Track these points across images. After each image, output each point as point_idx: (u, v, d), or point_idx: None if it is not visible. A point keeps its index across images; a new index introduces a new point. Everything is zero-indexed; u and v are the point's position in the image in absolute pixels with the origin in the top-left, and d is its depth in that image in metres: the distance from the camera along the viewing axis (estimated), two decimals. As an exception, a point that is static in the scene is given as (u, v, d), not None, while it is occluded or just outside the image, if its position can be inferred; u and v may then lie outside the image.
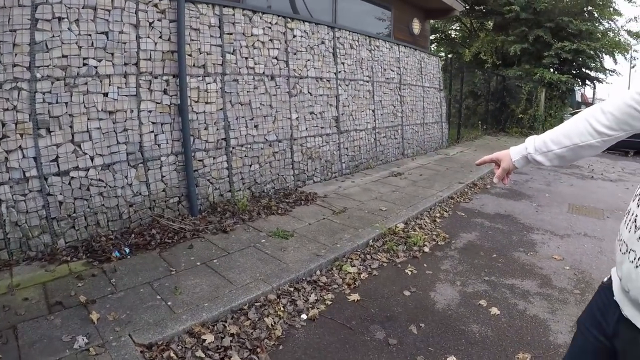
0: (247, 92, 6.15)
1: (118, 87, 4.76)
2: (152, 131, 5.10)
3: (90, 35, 4.52)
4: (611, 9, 19.73)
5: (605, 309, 1.40)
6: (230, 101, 5.92)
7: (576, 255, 5.12)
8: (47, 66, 4.22)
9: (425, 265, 4.68)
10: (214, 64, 5.67)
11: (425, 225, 5.96)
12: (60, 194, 4.38)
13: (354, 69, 8.36)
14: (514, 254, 5.07)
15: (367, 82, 8.89)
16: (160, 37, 5.09)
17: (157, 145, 5.14)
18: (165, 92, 5.17)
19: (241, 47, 6.02)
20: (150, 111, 5.05)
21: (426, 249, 5.08)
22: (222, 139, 5.85)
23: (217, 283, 3.86)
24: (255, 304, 3.65)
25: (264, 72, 6.38)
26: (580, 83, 21.64)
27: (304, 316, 3.58)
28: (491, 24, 21.58)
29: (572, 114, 21.68)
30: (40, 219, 4.24)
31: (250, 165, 6.31)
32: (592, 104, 32.43)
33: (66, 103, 4.38)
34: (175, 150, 5.32)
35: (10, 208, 4.04)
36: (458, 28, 22.92)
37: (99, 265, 4.05)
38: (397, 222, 5.68)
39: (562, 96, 20.86)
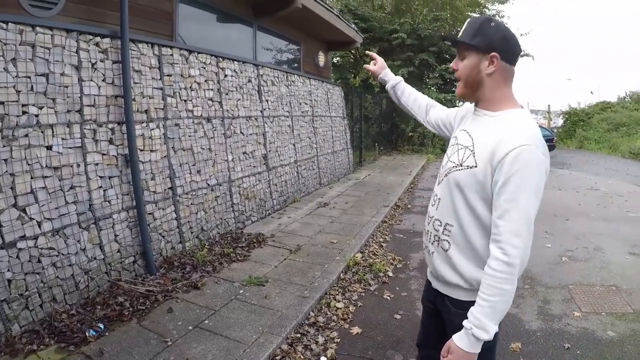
0: (189, 136, 5.81)
1: (62, 139, 4.24)
2: (101, 186, 4.59)
3: (29, 77, 3.99)
4: None
5: (428, 286, 2.13)
6: (173, 147, 5.53)
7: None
8: None
9: (397, 288, 5.07)
10: (156, 108, 5.29)
11: (377, 252, 6.35)
12: (8, 270, 3.71)
13: (277, 105, 8.29)
14: None
15: (287, 117, 8.87)
16: (104, 79, 4.65)
17: (107, 202, 4.63)
18: (111, 141, 4.71)
19: (180, 89, 5.69)
20: (97, 164, 4.55)
21: (390, 274, 5.49)
22: (169, 188, 5.44)
23: (225, 346, 3.55)
24: (275, 358, 3.50)
25: (201, 115, 6.08)
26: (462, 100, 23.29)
27: (324, 358, 3.57)
28: (376, 50, 22.61)
29: None
30: (-14, 303, 3.56)
31: (197, 213, 5.91)
32: None
33: (5, 160, 3.77)
34: (126, 205, 4.83)
35: None
36: (343, 55, 23.83)
37: (76, 351, 3.48)
38: (353, 253, 5.91)
39: None
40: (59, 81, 4.22)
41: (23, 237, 3.82)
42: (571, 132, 32.15)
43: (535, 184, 1.57)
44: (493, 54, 1.69)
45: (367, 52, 2.68)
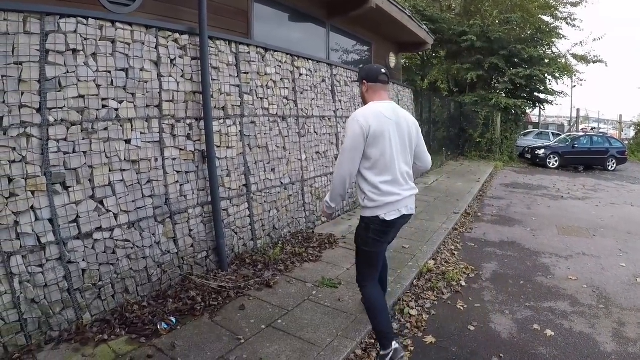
0: (264, 134, 5.58)
1: (141, 133, 4.10)
2: (177, 181, 4.43)
3: (109, 72, 3.85)
4: (558, 34, 20.66)
5: (386, 225, 3.06)
6: (249, 145, 5.32)
7: (586, 274, 5.44)
8: (62, 108, 3.50)
9: (470, 299, 4.69)
10: (233, 105, 5.09)
11: (449, 260, 5.91)
12: (83, 260, 3.60)
13: (349, 105, 7.94)
14: (537, 279, 5.26)
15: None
16: (183, 75, 4.49)
17: (183, 197, 4.46)
18: (188, 137, 4.54)
19: (257, 86, 5.47)
20: (174, 159, 4.39)
21: (463, 283, 5.09)
22: (244, 185, 5.23)
23: (299, 347, 3.29)
24: (350, 363, 3.10)
25: (277, 113, 5.84)
26: (532, 106, 22.29)
27: (398, 366, 3.17)
28: (444, 52, 21.86)
29: (524, 135, 22.14)
30: (62, 291, 3.44)
31: (270, 211, 5.68)
32: (537, 123, 33.47)
33: (85, 152, 3.65)
34: (202, 201, 4.65)
35: (26, 283, 3.23)
36: (410, 56, 23.10)
37: (147, 343, 3.30)
38: (426, 259, 5.53)
39: (516, 119, 21.39)
40: (139, 76, 4.07)
41: (99, 229, 3.70)
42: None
43: (348, 133, 2.90)
44: (364, 80, 3.20)
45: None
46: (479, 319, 4.21)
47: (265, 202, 5.58)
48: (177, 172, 4.41)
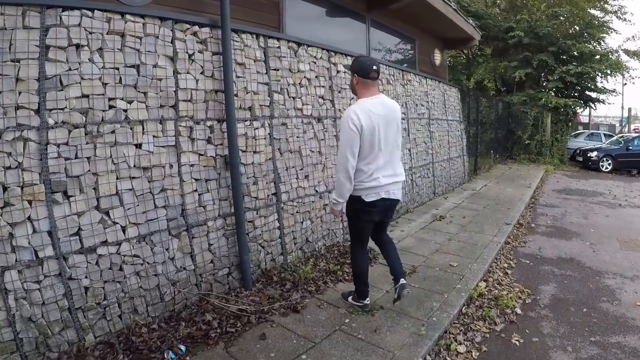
0: (297, 137, 4.98)
1: (154, 136, 3.58)
2: (196, 190, 3.89)
3: (117, 69, 3.37)
4: (608, 28, 19.38)
5: (368, 205, 3.41)
6: (279, 149, 4.74)
7: (657, 300, 4.57)
8: (62, 109, 3.07)
9: (527, 331, 3.96)
10: (261, 105, 4.51)
11: (502, 281, 5.10)
12: (86, 277, 3.14)
13: (392, 106, 7.23)
14: (601, 306, 4.51)
15: (403, 119, 7.76)
16: (202, 72, 3.94)
17: (202, 208, 3.92)
18: (209, 140, 3.99)
19: (288, 84, 4.88)
20: (192, 165, 3.85)
21: (518, 310, 4.32)
22: (273, 194, 4.65)
23: None
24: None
25: (311, 114, 5.23)
26: (583, 105, 20.74)
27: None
28: (490, 50, 20.70)
29: (574, 136, 20.86)
30: (62, 310, 3.01)
31: (302, 222, 5.07)
32: (587, 124, 31.54)
33: (88, 158, 3.18)
34: (223, 212, 4.09)
35: (21, 300, 2.83)
36: (455, 55, 22.01)
37: (150, 376, 2.72)
38: (476, 281, 4.73)
39: (567, 120, 20.10)
40: (151, 73, 3.57)
41: (104, 243, 3.23)
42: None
43: (344, 128, 3.21)
44: (354, 74, 3.37)
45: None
46: (538, 358, 3.51)
47: (297, 212, 4.99)
48: (196, 180, 3.88)
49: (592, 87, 19.53)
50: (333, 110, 5.65)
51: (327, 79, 5.58)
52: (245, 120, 4.31)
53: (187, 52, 3.82)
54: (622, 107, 35.04)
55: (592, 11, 19.59)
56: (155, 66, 3.60)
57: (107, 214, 3.30)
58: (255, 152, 4.41)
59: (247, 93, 4.34)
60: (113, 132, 3.32)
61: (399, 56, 9.09)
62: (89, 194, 3.18)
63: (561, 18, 18.55)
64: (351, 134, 3.13)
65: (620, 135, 21.88)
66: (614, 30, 19.57)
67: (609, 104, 21.92)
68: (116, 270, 3.32)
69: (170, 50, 3.71)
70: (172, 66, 3.72)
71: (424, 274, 4.85)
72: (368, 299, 3.81)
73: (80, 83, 3.15)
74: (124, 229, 3.38)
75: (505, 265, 5.67)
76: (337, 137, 5.72)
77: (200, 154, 3.89)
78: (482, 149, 14.79)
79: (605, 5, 19.69)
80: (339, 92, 5.82)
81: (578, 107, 20.70)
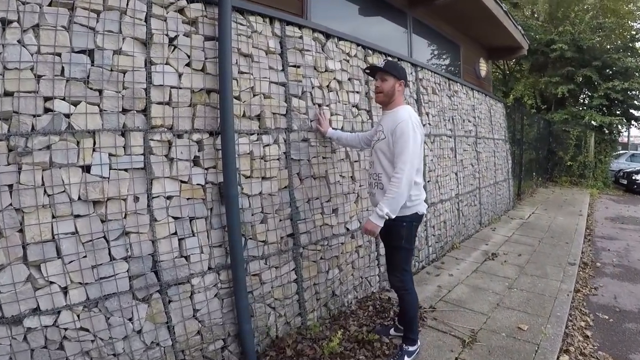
0: (323, 158, 3.71)
1: (111, 155, 2.39)
2: (175, 233, 2.65)
3: (59, 55, 2.21)
4: None
5: (421, 219, 3.15)
6: (298, 174, 3.48)
7: None
8: None
9: None
10: (274, 113, 3.26)
11: (584, 349, 3.86)
12: (10, 359, 1.98)
13: (438, 120, 5.92)
14: None
15: (450, 137, 6.42)
16: (189, 64, 2.71)
17: (184, 259, 2.67)
18: (195, 162, 2.75)
19: (312, 87, 3.62)
20: (169, 198, 2.62)
21: None
22: (288, 235, 3.37)
23: None
24: None
25: (342, 127, 3.95)
26: (629, 124, 19.31)
27: None
28: (528, 65, 19.23)
29: (616, 157, 19.59)
30: None
31: (328, 272, 3.77)
32: (626, 144, 29.67)
33: (10, 186, 2.06)
34: (216, 264, 2.84)
35: None
36: (491, 69, 20.58)
37: None
38: (555, 352, 3.52)
39: (612, 139, 18.41)
40: (112, 62, 2.38)
41: (35, 311, 2.07)
42: None
43: (410, 138, 2.79)
44: (402, 80, 3.03)
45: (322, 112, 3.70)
46: None
47: (321, 258, 3.69)
48: (175, 218, 2.64)
49: (637, 104, 18.10)
50: (370, 124, 4.37)
51: (363, 83, 4.31)
52: (251, 134, 3.06)
53: (166, 35, 2.61)
54: None
55: (633, 24, 18.53)
56: (117, 52, 2.40)
57: (39, 269, 2.13)
58: (264, 178, 3.15)
59: (254, 96, 3.09)
60: (48, 147, 2.16)
61: (443, 63, 7.77)
62: (11, 240, 2.05)
63: (607, 30, 17.10)
64: (417, 142, 2.86)
65: None
66: None
67: None
68: (54, 349, 2.15)
69: (142, 32, 2.51)
70: (143, 53, 2.52)
71: (488, 345, 3.56)
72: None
73: (1, 75, 2.04)
74: (64, 291, 2.20)
75: (583, 323, 4.41)
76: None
77: (182, 181, 2.66)
78: (524, 171, 13.37)
79: None
80: (377, 100, 4.54)
81: (624, 126, 19.31)
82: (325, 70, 3.79)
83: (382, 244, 4.54)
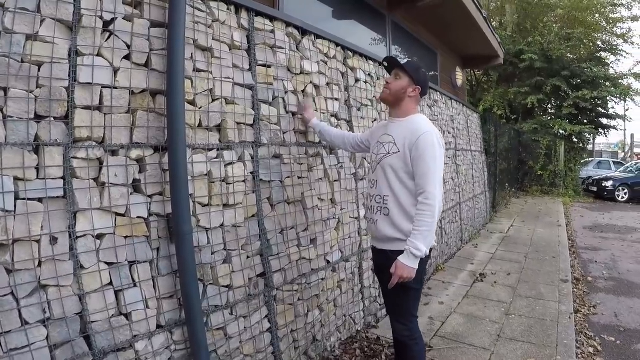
0: (299, 178, 3.11)
1: (17, 180, 1.78)
2: (110, 284, 2.02)
3: None
4: (620, 51, 18.96)
5: (375, 255, 2.72)
6: (269, 199, 2.88)
7: None
8: None
9: None
10: (239, 123, 2.66)
11: None
12: None
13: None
14: None
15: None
16: (128, 57, 2.12)
17: (123, 317, 2.05)
18: (136, 187, 2.15)
19: (286, 92, 3.03)
20: (101, 236, 2.00)
21: None
22: (259, 275, 2.74)
23: None
24: None
25: (320, 140, 3.35)
26: (597, 132, 19.93)
27: None
28: (496, 75, 19.50)
29: (583, 164, 20.26)
30: None
31: (307, 314, 3.17)
32: (591, 152, 30.33)
33: None
34: (168, 320, 2.22)
35: None
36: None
37: None
38: None
39: (581, 148, 19.28)
40: (22, 51, 1.79)
41: None
42: None
43: (437, 154, 2.34)
44: (418, 86, 2.54)
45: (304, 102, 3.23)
46: None
47: (299, 300, 3.09)
48: (109, 264, 2.02)
49: (605, 113, 18.90)
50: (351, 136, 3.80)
51: (343, 88, 3.75)
52: (210, 149, 2.45)
53: (100, 18, 2.00)
54: (624, 133, 34.05)
55: (600, 34, 19.12)
56: (32, 38, 1.80)
57: None
58: (227, 205, 2.54)
59: (213, 100, 2.49)
60: None
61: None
62: None
63: (575, 40, 17.57)
64: (442, 158, 2.46)
65: (636, 162, 21.28)
66: (626, 53, 19.04)
67: (620, 129, 21.03)
68: None
69: (67, 12, 1.90)
70: (68, 40, 1.91)
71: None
72: None
73: None
74: None
75: (591, 349, 4.09)
76: (356, 175, 3.88)
77: (117, 214, 2.04)
78: (497, 182, 13.30)
79: (614, 29, 18.99)
80: (359, 109, 4.01)
81: (594, 135, 20.10)
82: (301, 73, 3.22)
83: (367, 275, 3.99)
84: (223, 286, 2.48)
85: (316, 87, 3.39)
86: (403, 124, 2.51)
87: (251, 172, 2.72)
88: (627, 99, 18.49)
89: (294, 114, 3.12)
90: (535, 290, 5.43)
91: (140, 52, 2.14)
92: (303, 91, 3.22)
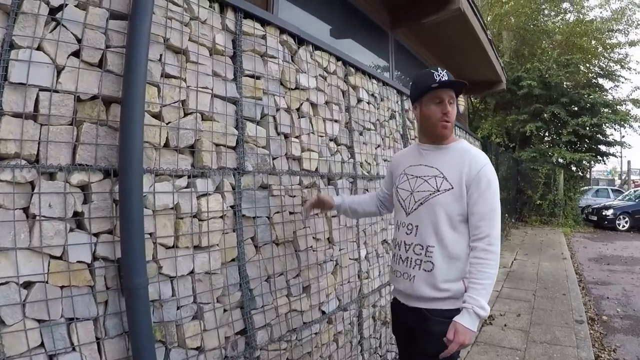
0: (290, 213, 2.67)
1: None
2: (42, 346, 1.52)
3: None
4: (618, 77, 19.35)
5: (400, 313, 2.21)
6: (253, 238, 2.40)
7: None
8: None
9: None
10: (217, 144, 2.22)
11: None
12: None
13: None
14: None
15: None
16: (77, 53, 1.68)
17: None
18: (78, 222, 1.67)
19: (277, 109, 2.59)
20: (29, 285, 1.53)
21: None
22: (238, 333, 2.26)
23: None
24: None
25: (317, 168, 2.93)
26: (597, 160, 20.07)
27: None
28: (493, 102, 19.74)
29: (581, 193, 20.34)
30: None
31: (297, 377, 2.65)
32: (589, 179, 30.34)
33: None
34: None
35: None
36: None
37: None
38: None
39: (581, 176, 19.46)
40: None
41: None
42: None
43: (497, 190, 2.01)
44: None
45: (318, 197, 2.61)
46: None
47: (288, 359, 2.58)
48: (40, 321, 1.56)
49: (604, 140, 19.03)
50: (352, 164, 3.38)
51: (344, 107, 3.33)
52: (178, 176, 2.00)
53: (46, 3, 1.59)
54: (621, 160, 34.24)
55: (597, 61, 19.58)
56: None
57: None
58: (198, 247, 2.07)
59: (185, 115, 2.04)
60: None
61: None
62: None
63: (574, 67, 17.79)
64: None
65: (635, 189, 21.59)
66: (627, 79, 19.45)
67: (619, 157, 21.22)
68: None
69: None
70: (2, 29, 1.43)
71: None
72: None
73: None
74: None
75: None
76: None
77: (52, 257, 1.58)
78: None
79: (612, 55, 19.49)
80: (361, 133, 3.59)
81: (594, 162, 20.29)
82: (296, 88, 2.79)
83: (367, 324, 3.52)
84: (192, 348, 1.99)
85: (313, 105, 2.97)
86: (448, 152, 2.09)
87: (231, 206, 2.25)
88: (626, 125, 18.68)
89: (286, 136, 2.68)
90: (549, 334, 5.21)
91: (93, 48, 1.70)
92: (298, 109, 2.79)
